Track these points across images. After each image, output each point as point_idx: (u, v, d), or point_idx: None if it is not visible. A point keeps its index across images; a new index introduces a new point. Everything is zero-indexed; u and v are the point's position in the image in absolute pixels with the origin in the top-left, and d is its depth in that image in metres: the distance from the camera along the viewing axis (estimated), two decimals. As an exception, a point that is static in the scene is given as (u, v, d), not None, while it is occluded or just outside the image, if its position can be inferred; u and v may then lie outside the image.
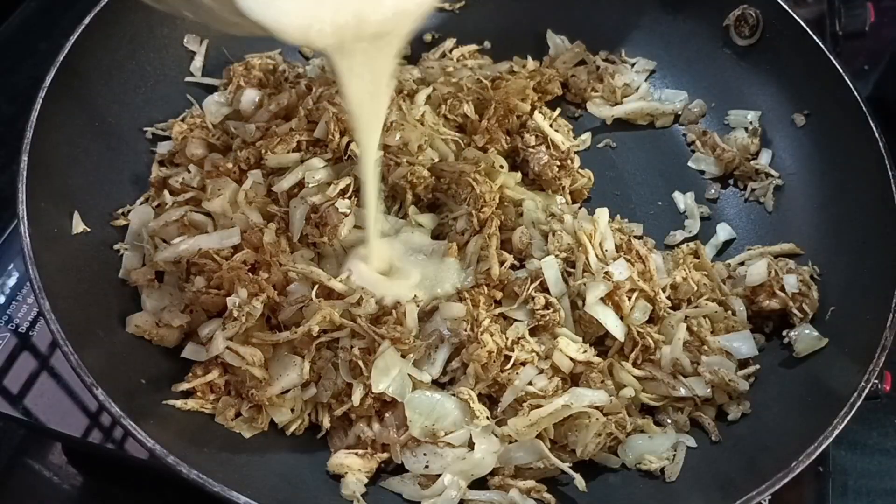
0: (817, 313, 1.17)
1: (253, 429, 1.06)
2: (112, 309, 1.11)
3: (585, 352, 1.11)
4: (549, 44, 1.54)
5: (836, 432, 0.97)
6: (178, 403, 1.04)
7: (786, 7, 1.34)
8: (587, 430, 1.03)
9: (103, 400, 0.92)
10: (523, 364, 1.08)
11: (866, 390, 1.00)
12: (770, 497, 0.95)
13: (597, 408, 1.04)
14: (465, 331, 1.09)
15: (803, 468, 0.95)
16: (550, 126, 1.36)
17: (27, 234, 1.02)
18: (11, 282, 1.27)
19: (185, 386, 1.07)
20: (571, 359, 1.09)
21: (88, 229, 1.15)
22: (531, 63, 1.49)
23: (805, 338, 1.13)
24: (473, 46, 1.53)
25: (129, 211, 1.22)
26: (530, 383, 1.06)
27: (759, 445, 1.05)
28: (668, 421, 1.11)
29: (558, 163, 1.30)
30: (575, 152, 1.36)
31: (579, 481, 0.99)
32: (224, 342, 1.06)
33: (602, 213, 1.21)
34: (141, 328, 1.09)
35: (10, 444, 1.20)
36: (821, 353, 1.11)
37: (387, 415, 1.06)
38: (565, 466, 1.01)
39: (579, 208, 1.29)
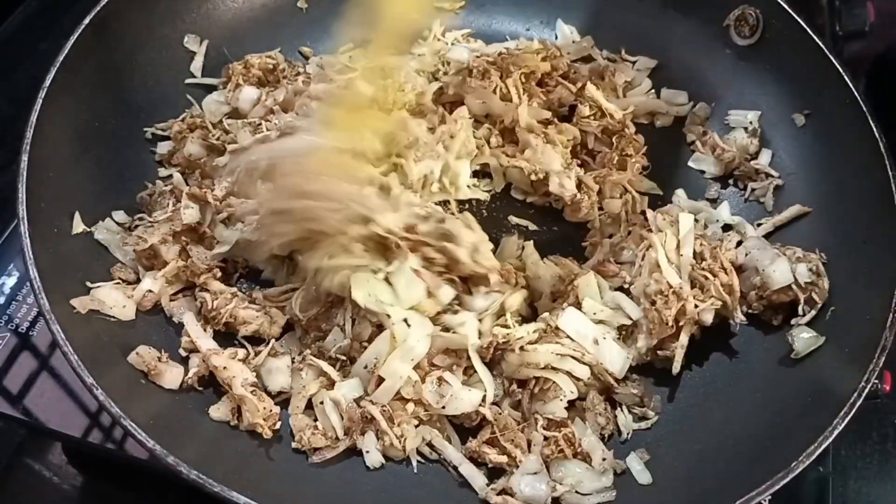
0: (817, 312, 1.16)
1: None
2: (112, 309, 1.10)
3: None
4: (557, 33, 1.55)
5: (836, 432, 0.97)
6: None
7: (786, 7, 1.34)
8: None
9: (103, 400, 0.92)
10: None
11: (866, 390, 0.99)
12: (770, 497, 0.95)
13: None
14: None
15: (803, 468, 0.95)
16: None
17: (27, 234, 1.02)
18: (11, 282, 1.27)
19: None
20: None
21: (88, 229, 1.15)
22: (537, 43, 1.48)
23: (803, 339, 1.13)
24: (467, 30, 1.53)
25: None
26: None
27: (758, 445, 1.05)
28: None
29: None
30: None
31: None
32: None
33: (685, 219, 1.18)
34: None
35: (10, 444, 1.19)
36: (821, 353, 1.11)
37: None
38: None
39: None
